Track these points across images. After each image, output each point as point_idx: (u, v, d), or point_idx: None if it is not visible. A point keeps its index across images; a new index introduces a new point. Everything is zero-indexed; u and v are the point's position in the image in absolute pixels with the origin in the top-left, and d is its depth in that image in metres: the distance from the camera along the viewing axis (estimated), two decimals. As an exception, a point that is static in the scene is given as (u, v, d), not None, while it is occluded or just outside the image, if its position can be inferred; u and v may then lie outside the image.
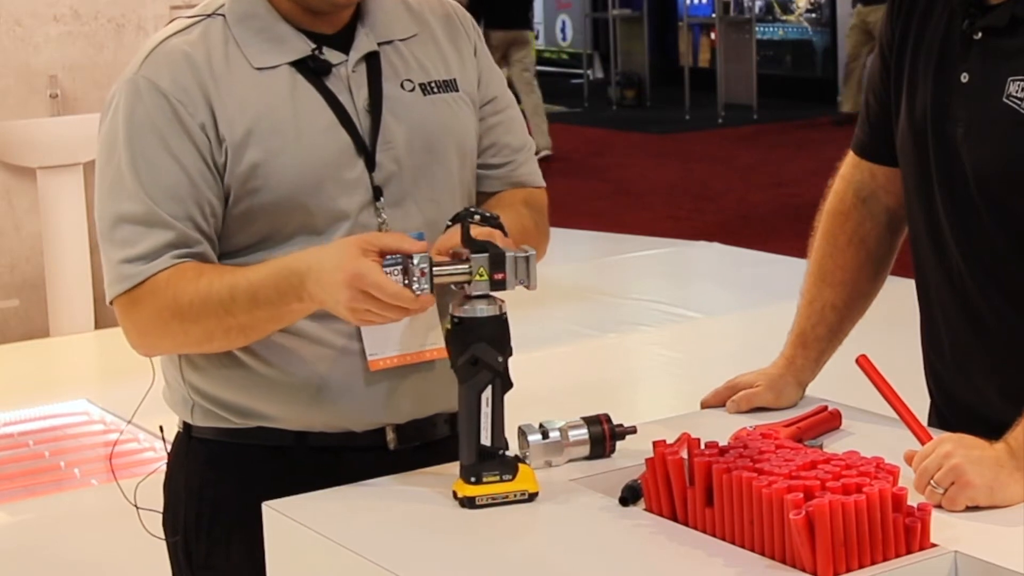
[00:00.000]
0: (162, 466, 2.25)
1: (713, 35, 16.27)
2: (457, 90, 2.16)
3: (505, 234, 1.95)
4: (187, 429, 2.17)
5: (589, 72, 17.75)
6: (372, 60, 2.10)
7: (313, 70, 2.06)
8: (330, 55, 2.07)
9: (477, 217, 1.95)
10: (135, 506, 2.18)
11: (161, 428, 2.22)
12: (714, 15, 15.95)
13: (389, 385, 2.08)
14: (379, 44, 2.11)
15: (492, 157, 2.21)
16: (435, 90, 2.13)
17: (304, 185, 2.01)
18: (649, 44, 17.08)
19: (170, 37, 2.06)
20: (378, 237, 1.91)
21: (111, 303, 2.04)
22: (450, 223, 1.97)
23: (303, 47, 2.06)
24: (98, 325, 6.77)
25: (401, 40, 2.14)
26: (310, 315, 2.03)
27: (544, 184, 2.29)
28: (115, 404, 5.52)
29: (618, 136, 12.95)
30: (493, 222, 1.94)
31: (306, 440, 2.10)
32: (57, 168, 6.64)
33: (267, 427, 2.09)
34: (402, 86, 2.11)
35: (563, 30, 19.21)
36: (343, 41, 2.09)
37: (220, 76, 2.02)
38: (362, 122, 2.06)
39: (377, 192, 2.05)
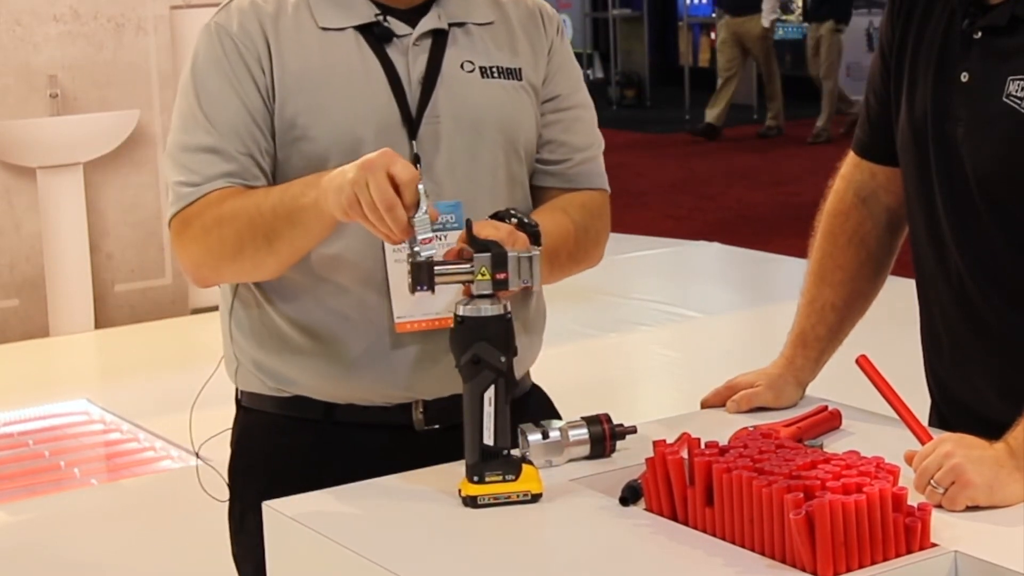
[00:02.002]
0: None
1: (713, 35, 16.28)
2: (520, 79, 2.18)
3: (538, 244, 1.96)
4: (237, 393, 2.26)
5: (589, 72, 17.78)
6: (438, 37, 2.14)
7: (376, 36, 2.12)
8: (396, 25, 2.13)
9: (514, 221, 1.96)
10: (197, 455, 2.27)
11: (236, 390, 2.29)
12: (714, 15, 15.97)
13: (417, 359, 2.11)
14: (451, 25, 2.15)
15: (549, 153, 2.23)
16: (495, 75, 2.16)
17: (343, 143, 2.06)
18: (649, 44, 17.10)
19: None
20: (399, 164, 1.89)
21: (169, 226, 2.13)
22: (490, 219, 2.00)
23: (369, 13, 2.13)
24: (98, 325, 6.77)
25: (475, 24, 2.18)
26: (345, 283, 2.08)
27: (606, 187, 2.29)
28: (115, 404, 5.52)
29: (618, 135, 12.95)
30: (529, 228, 1.96)
31: (334, 413, 2.14)
32: (57, 168, 6.64)
33: (300, 396, 2.15)
34: (462, 66, 2.15)
35: (563, 30, 19.22)
36: (414, 16, 2.14)
37: (284, 30, 2.11)
38: (413, 93, 2.11)
39: (415, 160, 2.08)
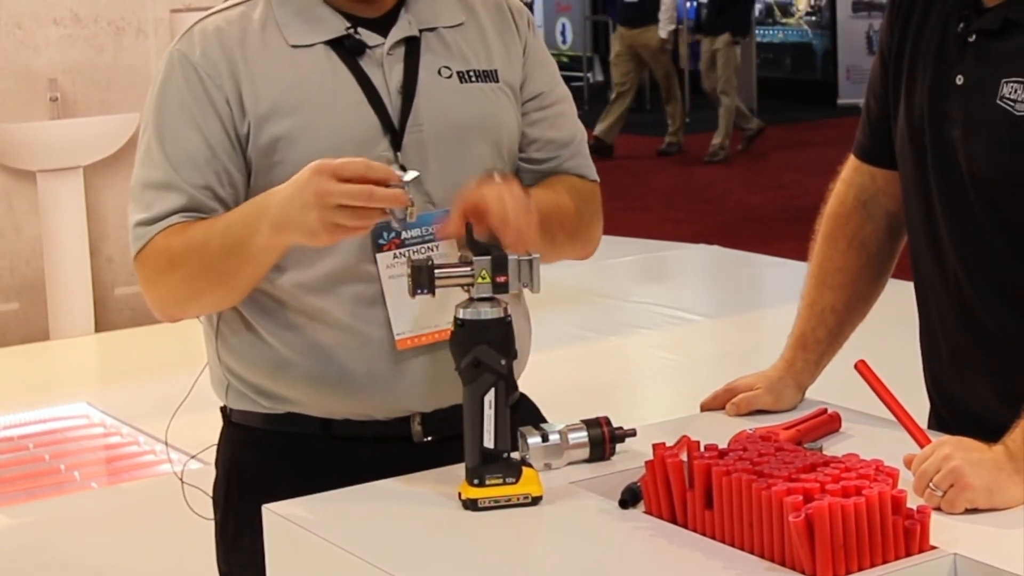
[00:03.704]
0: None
1: (713, 38, 16.27)
2: (497, 80, 2.17)
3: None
4: (226, 412, 2.23)
5: (589, 75, 17.77)
6: (411, 44, 2.12)
7: (348, 49, 2.09)
8: (367, 36, 2.10)
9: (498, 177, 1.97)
10: (181, 481, 2.24)
11: (222, 408, 2.26)
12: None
13: (414, 371, 2.10)
14: (422, 30, 2.13)
15: (535, 152, 2.22)
16: (472, 79, 2.15)
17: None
18: (649, 47, 17.06)
19: (211, 15, 2.12)
20: (340, 163, 1.87)
21: (134, 263, 2.11)
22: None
23: (339, 26, 2.10)
24: (98, 328, 6.77)
25: (446, 27, 2.16)
26: (338, 300, 2.06)
27: (596, 178, 2.28)
28: (115, 407, 5.53)
29: (618, 139, 12.96)
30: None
31: (331, 429, 2.12)
32: (57, 171, 6.65)
33: (295, 413, 2.12)
34: (439, 72, 2.13)
35: (563, 33, 19.24)
36: (384, 25, 2.12)
37: (252, 52, 2.07)
38: (393, 103, 2.09)
39: (402, 171, 2.06)
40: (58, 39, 6.77)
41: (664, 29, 12.74)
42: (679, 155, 12.78)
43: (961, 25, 2.09)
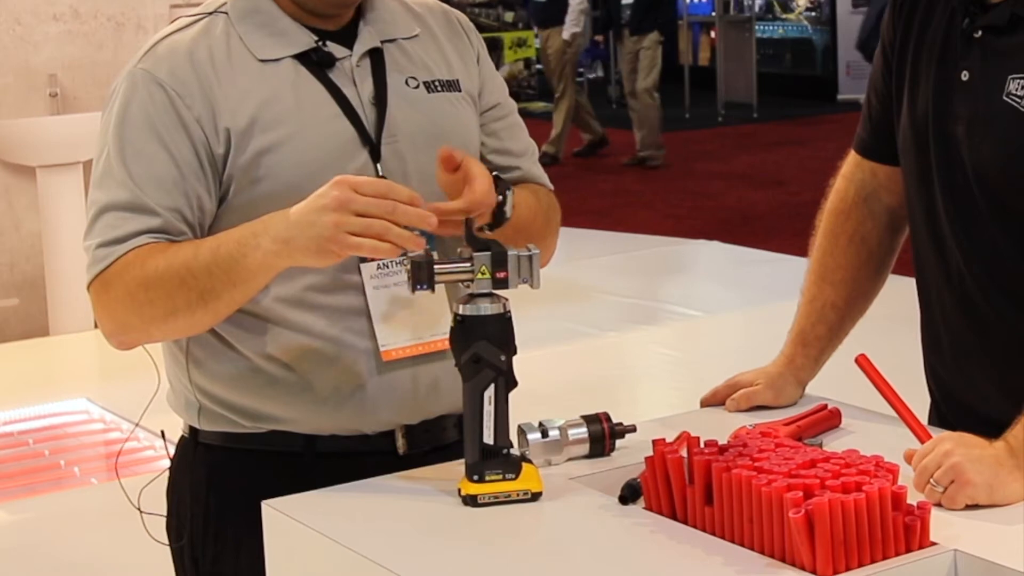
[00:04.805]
0: (162, 468, 2.24)
1: (713, 33, 16.31)
2: (459, 90, 2.18)
3: (507, 187, 2.00)
4: (193, 434, 2.16)
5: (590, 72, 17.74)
6: (376, 55, 2.11)
7: (317, 63, 2.07)
8: (334, 49, 2.09)
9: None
10: (139, 510, 2.18)
11: (163, 433, 2.21)
12: (714, 14, 15.98)
13: (400, 383, 2.08)
14: (382, 42, 2.13)
15: (496, 160, 2.22)
16: (439, 88, 2.15)
17: (306, 174, 2.00)
18: (649, 43, 17.06)
19: (171, 34, 2.08)
20: (360, 179, 1.87)
21: (88, 289, 2.03)
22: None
23: (306, 40, 2.08)
24: (98, 324, 6.77)
25: (404, 39, 2.16)
26: (322, 314, 2.04)
27: (551, 186, 2.30)
28: (115, 403, 5.52)
29: (618, 135, 12.95)
30: (499, 181, 1.99)
31: (315, 445, 2.09)
32: (57, 167, 6.65)
33: (277, 431, 2.08)
34: (407, 82, 2.13)
35: (563, 29, 19.22)
36: (346, 37, 2.11)
37: (222, 68, 2.03)
38: (367, 114, 2.07)
39: None
40: (58, 35, 6.77)
41: (568, 30, 12.62)
42: (679, 152, 12.76)
43: (966, 21, 2.08)
